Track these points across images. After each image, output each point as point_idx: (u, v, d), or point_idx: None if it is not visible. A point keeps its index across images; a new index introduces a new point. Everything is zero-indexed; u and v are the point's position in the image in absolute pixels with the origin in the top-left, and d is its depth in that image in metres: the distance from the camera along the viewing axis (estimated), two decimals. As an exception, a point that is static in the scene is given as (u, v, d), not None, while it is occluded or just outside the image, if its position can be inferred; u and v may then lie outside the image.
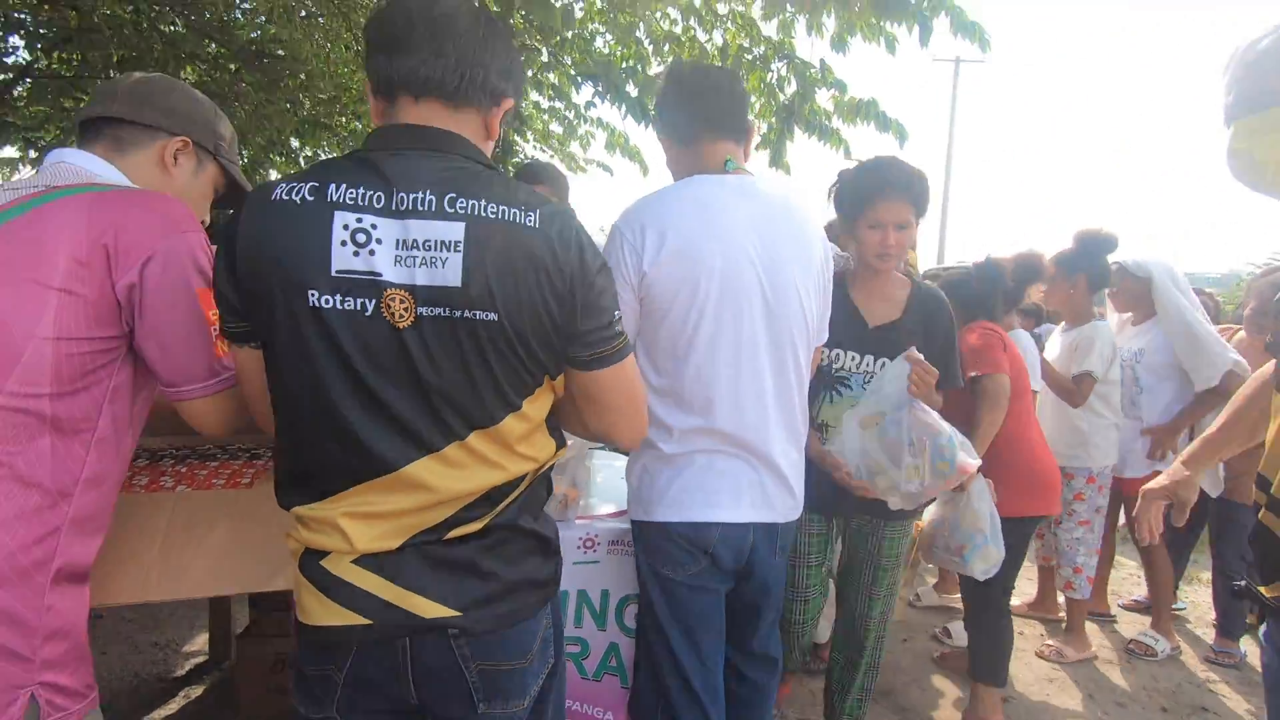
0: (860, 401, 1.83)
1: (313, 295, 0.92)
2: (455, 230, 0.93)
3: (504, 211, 0.95)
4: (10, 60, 6.58)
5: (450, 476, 0.98)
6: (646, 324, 1.47)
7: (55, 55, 6.65)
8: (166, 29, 5.22)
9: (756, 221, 1.46)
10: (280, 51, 4.94)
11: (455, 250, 0.92)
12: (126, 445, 1.13)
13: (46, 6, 4.70)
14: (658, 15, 3.35)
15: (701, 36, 3.61)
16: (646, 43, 3.92)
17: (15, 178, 1.19)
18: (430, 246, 0.92)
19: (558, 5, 2.21)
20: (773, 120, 3.75)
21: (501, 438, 1.00)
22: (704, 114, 1.54)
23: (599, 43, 4.23)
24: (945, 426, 1.75)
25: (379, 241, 0.92)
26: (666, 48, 3.77)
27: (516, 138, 5.47)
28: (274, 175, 9.09)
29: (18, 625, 0.95)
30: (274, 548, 1.32)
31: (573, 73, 3.97)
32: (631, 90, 3.93)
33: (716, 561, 1.51)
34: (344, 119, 5.65)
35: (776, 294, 1.46)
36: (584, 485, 1.86)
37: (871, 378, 1.87)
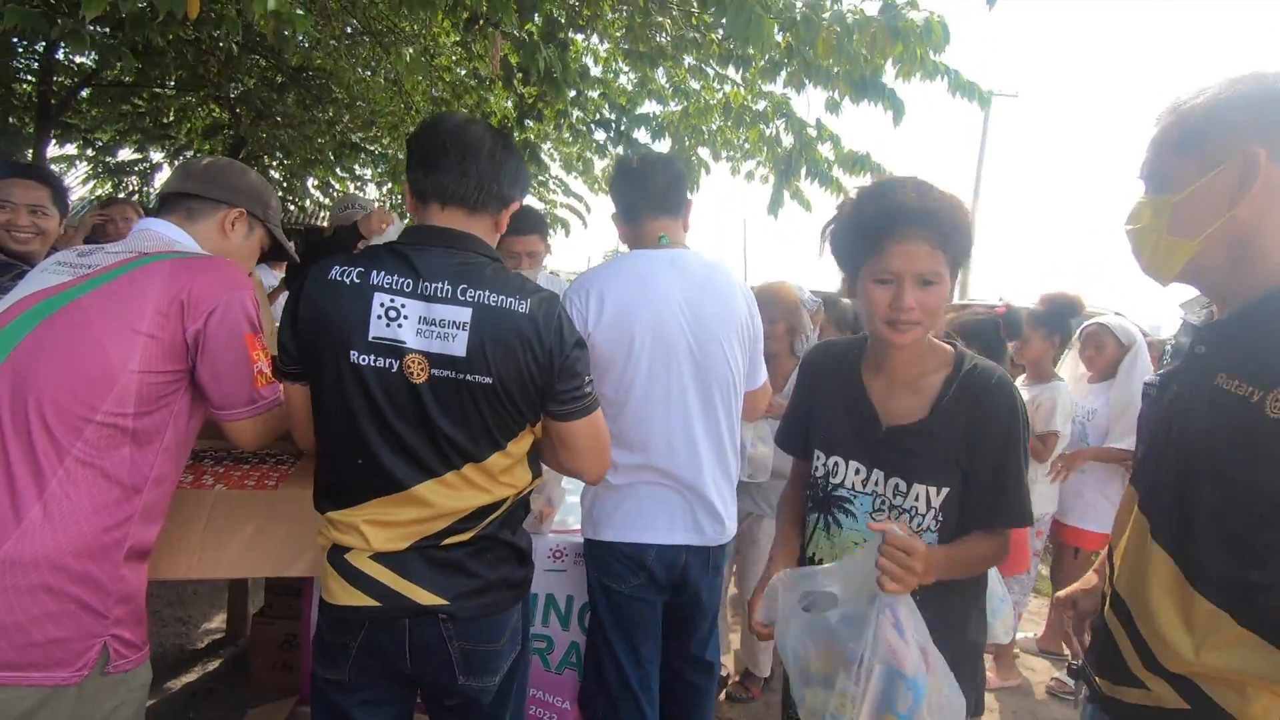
0: (825, 568, 1.28)
1: (354, 354, 1.25)
2: (464, 314, 1.25)
3: (502, 300, 1.27)
4: (75, 66, 7.11)
5: (447, 496, 1.29)
6: (594, 376, 1.77)
7: (119, 66, 7.14)
8: (221, 47, 5.66)
9: (684, 288, 1.77)
10: (320, 76, 5.35)
11: (463, 329, 1.25)
12: (185, 453, 1.44)
13: (122, 31, 5.13)
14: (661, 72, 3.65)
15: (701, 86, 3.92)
16: (666, 86, 4.24)
17: (109, 245, 1.53)
18: (445, 324, 1.25)
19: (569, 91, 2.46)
20: (770, 172, 4.04)
21: (488, 469, 1.31)
22: (644, 197, 1.85)
23: (622, 79, 4.59)
24: (920, 666, 1.12)
25: (406, 318, 1.25)
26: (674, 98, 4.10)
27: (536, 165, 5.80)
28: (312, 183, 9.57)
29: (99, 590, 1.25)
30: (295, 540, 1.62)
31: (588, 120, 4.29)
32: (642, 135, 4.26)
33: (653, 576, 1.78)
34: (379, 143, 6.04)
35: (701, 348, 1.76)
36: (558, 503, 2.15)
37: (884, 504, 1.32)
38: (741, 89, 3.76)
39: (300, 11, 1.76)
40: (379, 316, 1.25)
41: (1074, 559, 3.19)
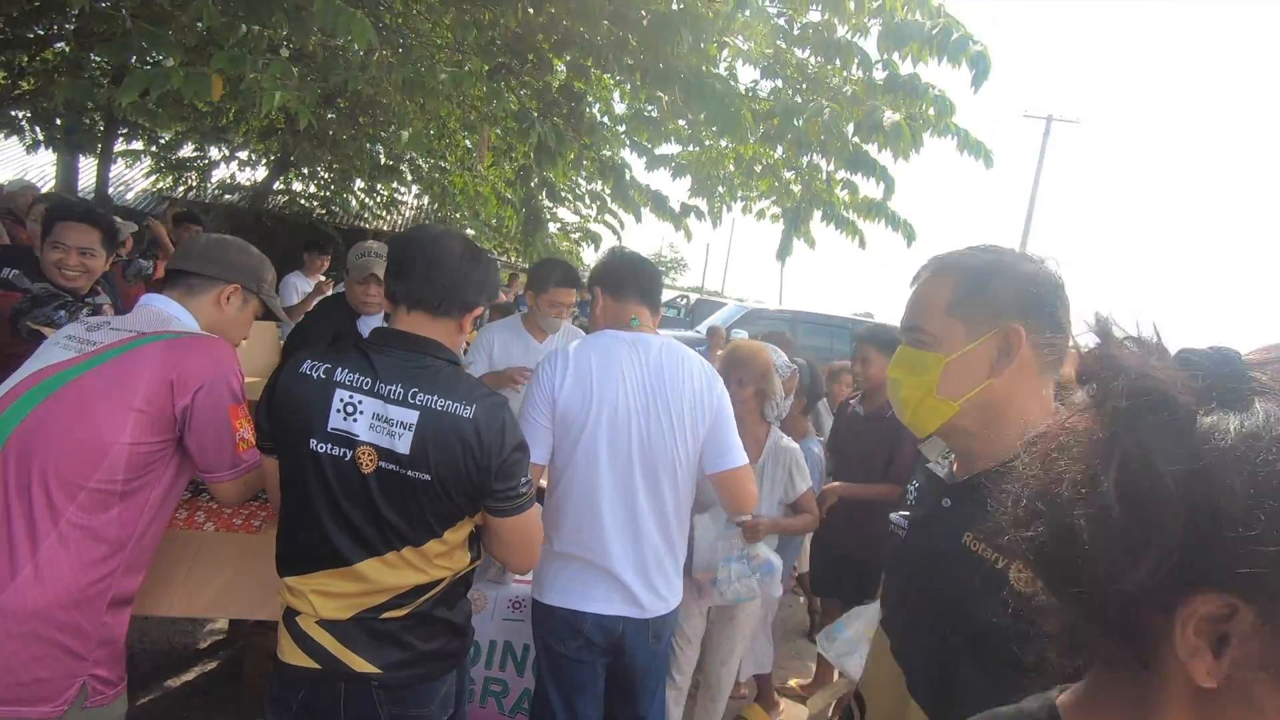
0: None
1: (313, 441, 1.41)
2: (412, 416, 1.41)
3: (449, 405, 1.42)
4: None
5: (386, 573, 1.44)
6: (557, 434, 1.90)
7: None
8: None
9: (640, 369, 1.90)
10: (363, 101, 5.63)
11: (409, 429, 1.40)
12: (169, 508, 1.63)
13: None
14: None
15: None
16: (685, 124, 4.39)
17: (114, 319, 1.74)
18: (394, 423, 1.41)
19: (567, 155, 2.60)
20: (776, 221, 4.13)
21: (424, 553, 1.45)
22: (636, 283, 2.00)
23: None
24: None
25: (361, 413, 1.41)
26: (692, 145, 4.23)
27: (551, 202, 5.97)
28: (353, 202, 9.96)
29: (82, 636, 1.44)
30: (267, 584, 1.80)
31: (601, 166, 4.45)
32: (661, 175, 4.36)
33: (590, 641, 1.91)
34: (411, 163, 6.30)
35: (650, 425, 1.88)
36: None
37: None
38: (750, 146, 3.87)
39: (305, 102, 1.94)
40: (338, 410, 1.41)
41: None
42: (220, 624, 3.37)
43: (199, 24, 1.93)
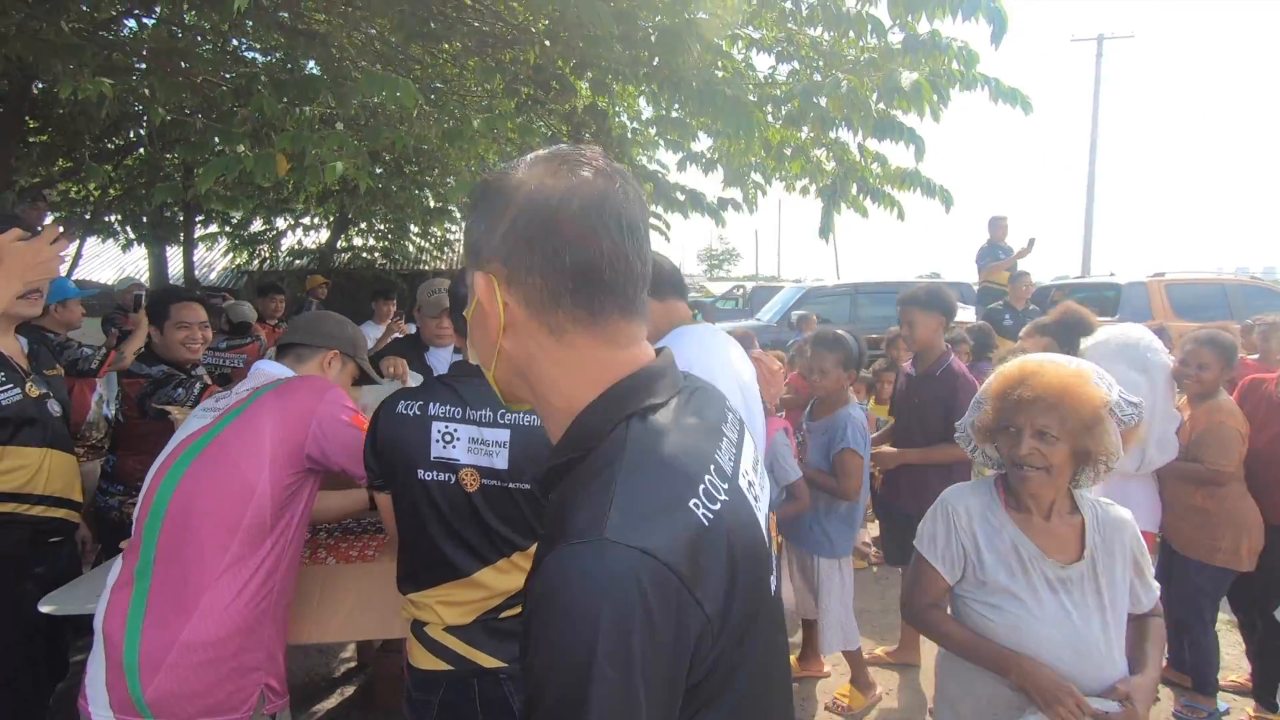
0: None
1: (420, 471, 1.58)
2: (504, 435, 1.57)
3: (534, 420, 1.56)
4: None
5: (500, 579, 1.59)
6: None
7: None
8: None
9: (736, 354, 2.02)
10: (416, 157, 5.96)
11: (504, 446, 1.57)
12: (304, 533, 1.85)
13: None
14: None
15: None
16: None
17: (237, 386, 2.04)
18: (489, 444, 1.57)
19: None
20: (819, 197, 4.15)
21: (530, 556, 1.59)
22: (667, 279, 2.06)
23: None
24: None
25: (458, 440, 1.58)
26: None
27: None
28: (410, 248, 10.44)
29: (252, 653, 1.66)
30: (389, 606, 1.99)
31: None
32: (693, 172, 4.43)
33: None
34: (462, 205, 6.61)
35: (746, 408, 1.94)
36: None
37: None
38: (777, 130, 3.90)
39: (366, 169, 2.13)
40: (437, 440, 1.58)
41: None
42: (350, 652, 3.66)
43: (258, 115, 2.17)
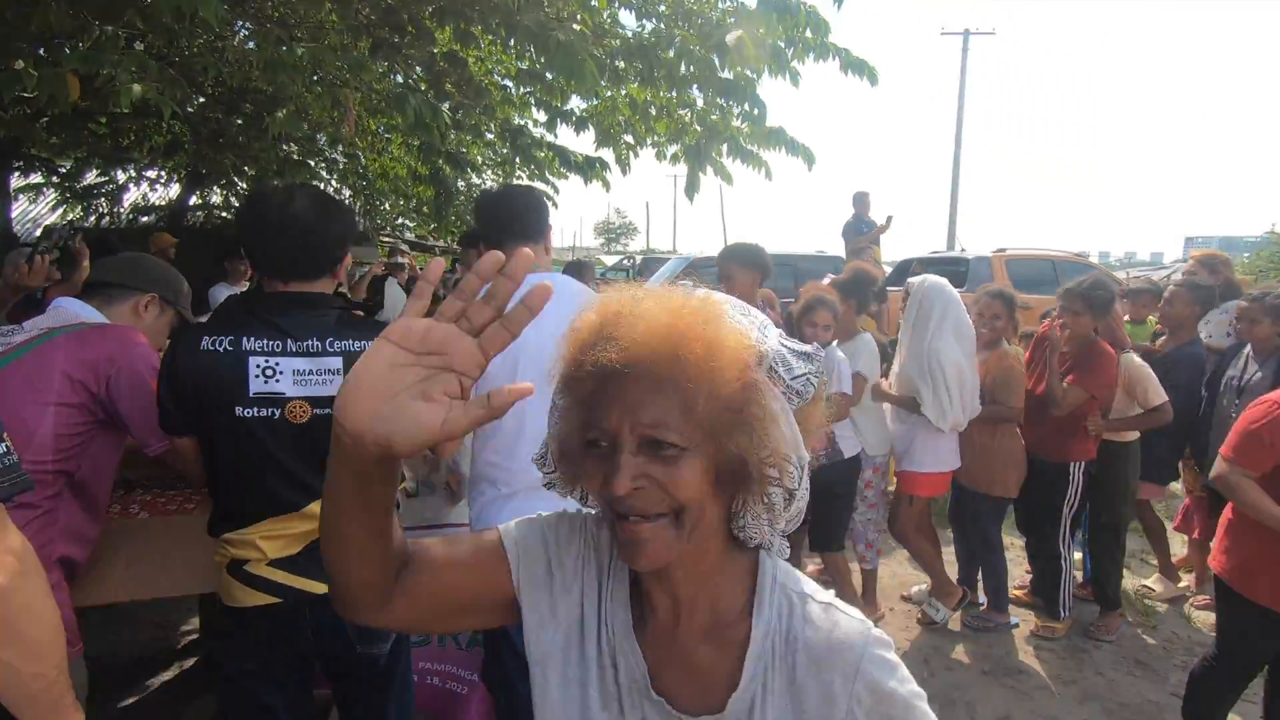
0: None
1: (238, 409, 1.51)
2: (337, 362, 1.54)
3: (366, 344, 1.54)
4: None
5: None
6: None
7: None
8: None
9: (561, 308, 1.96)
10: (260, 96, 5.50)
11: (337, 373, 1.54)
12: (101, 485, 1.72)
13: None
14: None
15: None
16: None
17: (28, 322, 1.85)
18: (322, 372, 1.53)
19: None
20: (677, 157, 4.23)
21: None
22: (506, 224, 1.98)
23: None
24: None
25: (281, 373, 1.52)
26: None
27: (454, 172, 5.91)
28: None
29: None
30: (204, 561, 1.90)
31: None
32: (565, 130, 4.41)
33: None
34: (323, 155, 6.22)
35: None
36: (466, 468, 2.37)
37: None
38: (640, 89, 3.93)
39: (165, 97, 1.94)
40: (256, 376, 1.52)
41: (908, 506, 3.44)
42: (194, 624, 3.46)
43: (45, 30, 1.93)
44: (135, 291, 1.84)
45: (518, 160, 4.16)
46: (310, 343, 1.54)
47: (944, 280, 3.39)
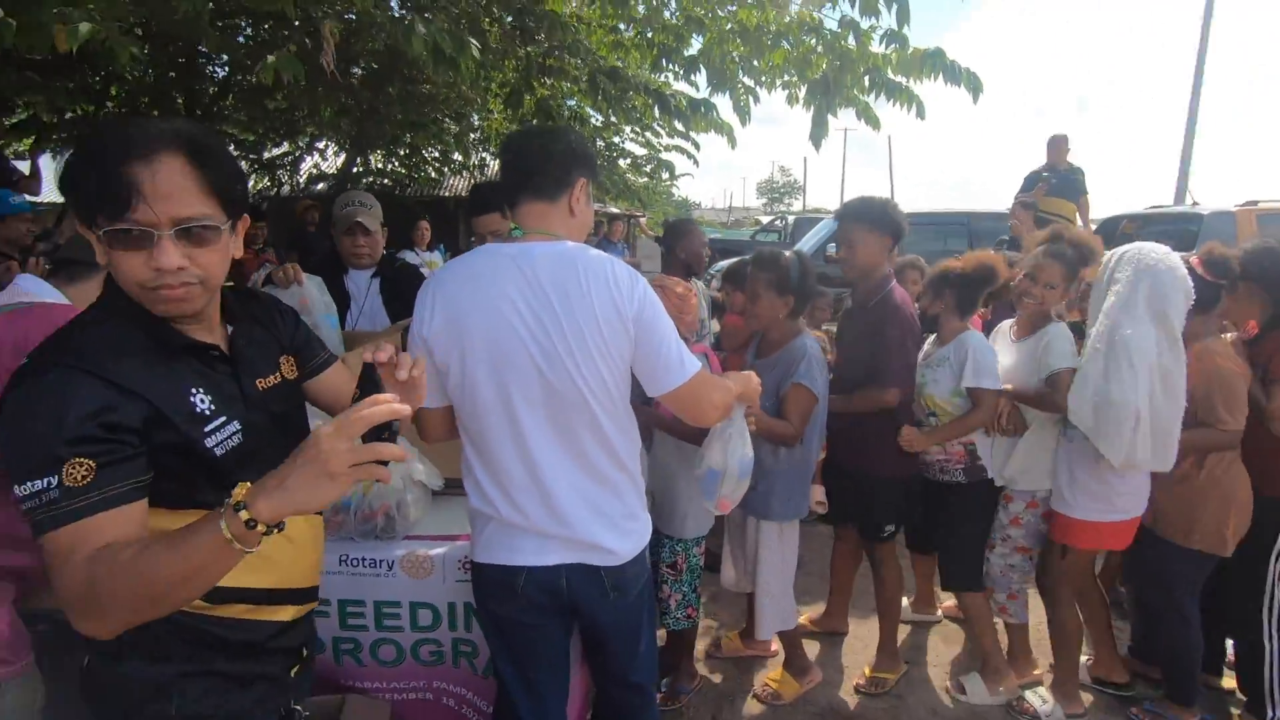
0: None
1: None
2: None
3: None
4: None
5: None
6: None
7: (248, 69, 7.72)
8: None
9: (524, 292, 1.48)
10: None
11: None
12: None
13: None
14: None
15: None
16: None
17: None
18: None
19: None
20: (804, 98, 3.51)
21: None
22: (515, 176, 1.58)
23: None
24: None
25: None
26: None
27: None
28: (431, 173, 9.96)
29: None
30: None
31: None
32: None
33: (530, 600, 1.62)
34: (441, 120, 6.12)
35: (550, 364, 1.48)
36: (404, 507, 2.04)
37: None
38: (753, 8, 3.25)
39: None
40: None
41: (1060, 558, 2.55)
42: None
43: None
44: (98, 269, 1.64)
45: (609, 110, 3.67)
46: None
47: (1160, 250, 2.29)
